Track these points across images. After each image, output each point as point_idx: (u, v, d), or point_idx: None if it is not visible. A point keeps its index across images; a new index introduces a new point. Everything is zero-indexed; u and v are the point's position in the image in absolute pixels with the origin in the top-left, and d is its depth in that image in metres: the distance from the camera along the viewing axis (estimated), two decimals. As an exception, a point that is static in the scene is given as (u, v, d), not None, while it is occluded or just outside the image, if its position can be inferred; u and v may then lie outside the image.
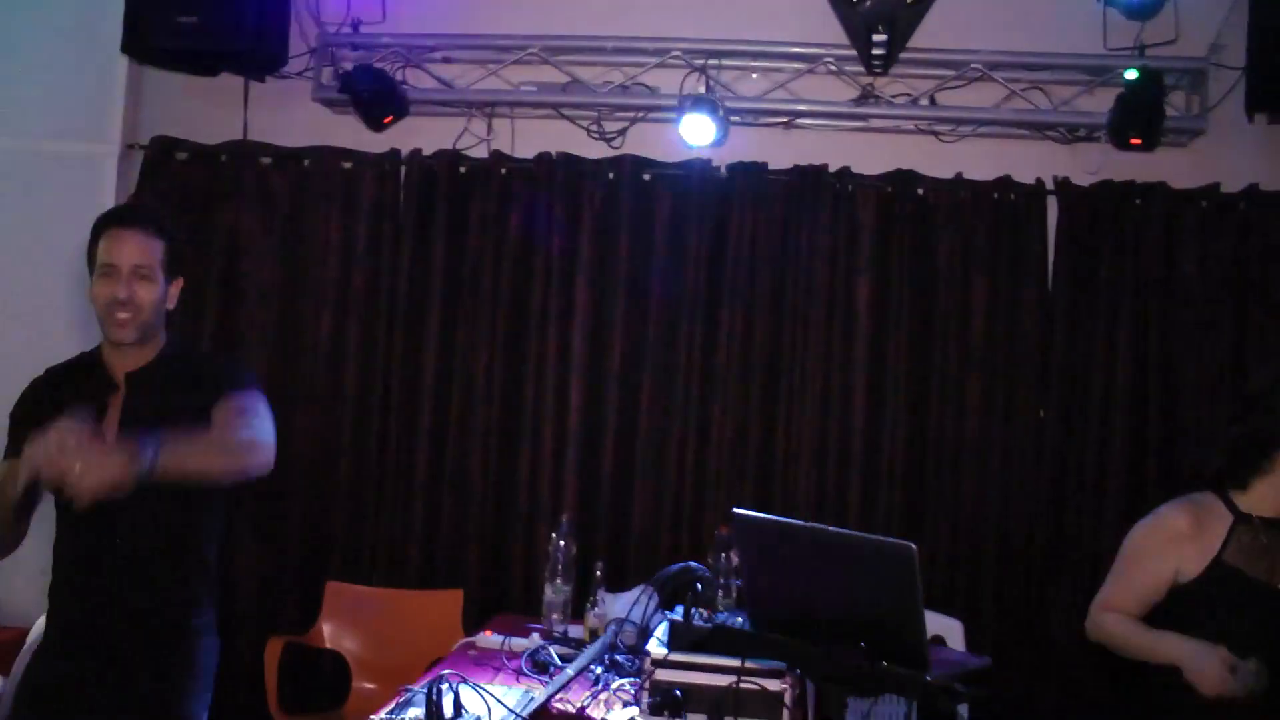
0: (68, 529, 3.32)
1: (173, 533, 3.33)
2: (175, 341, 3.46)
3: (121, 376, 3.34)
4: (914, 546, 2.93)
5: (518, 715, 3.25)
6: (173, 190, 5.52)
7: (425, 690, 3.12)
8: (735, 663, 3.41)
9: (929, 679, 2.95)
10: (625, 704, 3.49)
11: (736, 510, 3.54)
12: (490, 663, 3.98)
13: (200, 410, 3.26)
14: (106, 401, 3.29)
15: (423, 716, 3.10)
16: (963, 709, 4.29)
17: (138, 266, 3.27)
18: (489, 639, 4.28)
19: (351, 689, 5.09)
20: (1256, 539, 3.14)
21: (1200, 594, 3.14)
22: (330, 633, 5.17)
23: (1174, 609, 3.18)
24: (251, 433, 3.23)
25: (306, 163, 5.57)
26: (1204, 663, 3.03)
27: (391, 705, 3.32)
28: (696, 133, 5.21)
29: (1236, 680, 2.98)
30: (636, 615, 4.01)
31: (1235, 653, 3.01)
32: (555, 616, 4.46)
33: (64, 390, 3.32)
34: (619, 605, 4.29)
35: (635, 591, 4.35)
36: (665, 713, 3.36)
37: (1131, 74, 5.00)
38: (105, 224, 3.35)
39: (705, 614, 3.91)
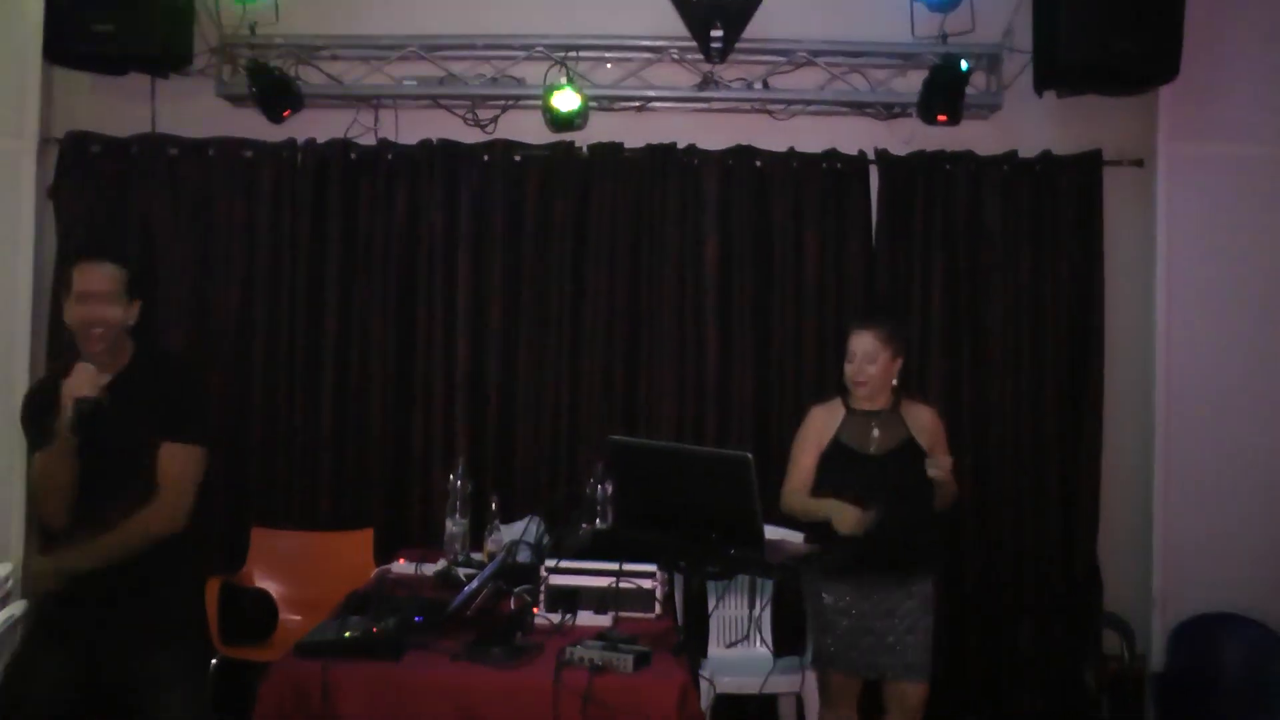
0: None
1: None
2: (143, 351, 3.91)
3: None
4: (749, 455, 3.60)
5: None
6: (88, 181, 5.83)
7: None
8: (614, 566, 4.08)
9: (767, 558, 3.63)
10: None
11: (611, 436, 4.19)
12: (407, 584, 4.49)
13: (156, 424, 3.78)
14: None
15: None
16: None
17: (107, 293, 3.75)
18: (402, 566, 4.82)
19: (279, 621, 5.48)
20: (855, 423, 4.56)
21: (825, 460, 4.53)
22: (258, 574, 5.62)
23: (816, 473, 4.53)
24: (163, 510, 3.76)
25: (211, 152, 5.91)
26: (844, 512, 4.29)
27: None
28: (565, 102, 5.65)
29: (868, 518, 4.25)
30: (530, 537, 4.63)
31: (845, 496, 4.33)
32: (457, 546, 4.91)
33: (54, 396, 3.74)
34: (512, 533, 4.82)
35: (525, 520, 4.97)
36: (560, 609, 4.03)
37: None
38: (77, 256, 3.83)
39: (586, 527, 4.58)
